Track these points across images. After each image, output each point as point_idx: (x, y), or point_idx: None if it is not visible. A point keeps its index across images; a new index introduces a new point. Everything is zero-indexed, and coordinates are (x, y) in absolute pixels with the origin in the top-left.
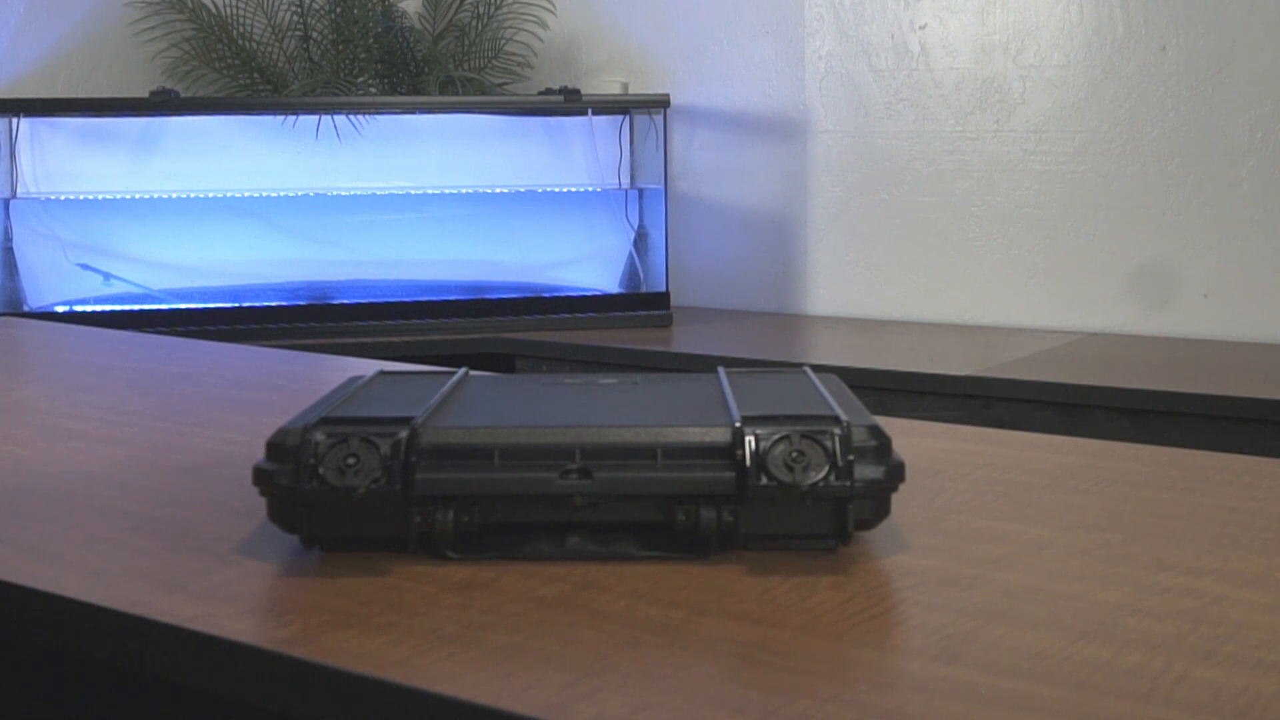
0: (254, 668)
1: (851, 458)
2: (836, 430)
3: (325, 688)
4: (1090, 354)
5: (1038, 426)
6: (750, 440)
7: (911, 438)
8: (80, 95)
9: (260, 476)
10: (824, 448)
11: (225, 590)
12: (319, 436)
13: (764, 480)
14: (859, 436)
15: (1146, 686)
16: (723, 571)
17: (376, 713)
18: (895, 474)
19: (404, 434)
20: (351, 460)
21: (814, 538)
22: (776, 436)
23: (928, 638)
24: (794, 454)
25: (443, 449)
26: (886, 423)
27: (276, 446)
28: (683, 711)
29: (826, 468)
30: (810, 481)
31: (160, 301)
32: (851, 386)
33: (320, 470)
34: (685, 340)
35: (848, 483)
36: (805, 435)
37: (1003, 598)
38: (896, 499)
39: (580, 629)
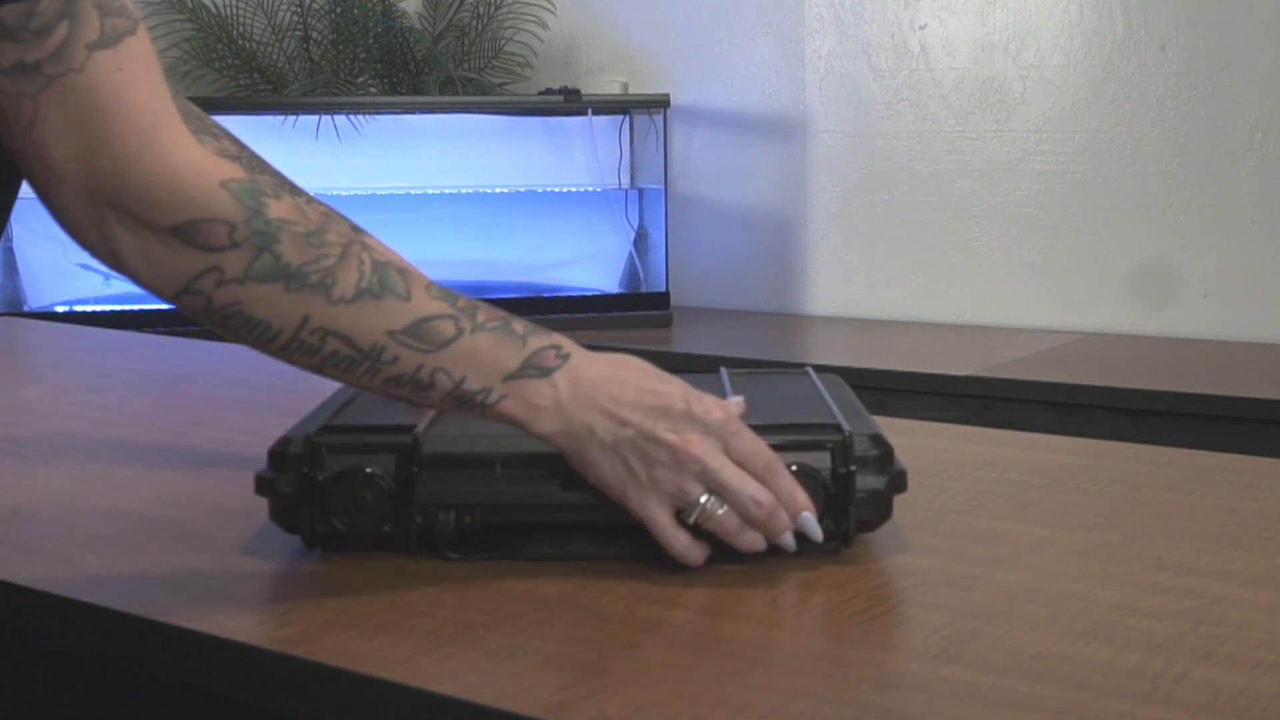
0: (254, 668)
1: (853, 467)
2: (838, 439)
3: (325, 688)
4: (1090, 354)
5: (1037, 426)
6: None
7: (911, 438)
8: None
9: (263, 485)
10: (820, 482)
11: (225, 590)
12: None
13: None
14: (861, 445)
15: (1146, 686)
16: (723, 571)
17: (376, 713)
18: (896, 483)
19: (407, 443)
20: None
21: None
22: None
23: (928, 638)
24: (791, 467)
25: (444, 459)
26: (886, 423)
27: (279, 455)
28: (683, 711)
29: (822, 511)
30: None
31: (160, 301)
32: (852, 386)
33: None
34: (685, 340)
35: (849, 493)
36: (802, 470)
37: (1003, 598)
38: (897, 499)
39: (580, 629)
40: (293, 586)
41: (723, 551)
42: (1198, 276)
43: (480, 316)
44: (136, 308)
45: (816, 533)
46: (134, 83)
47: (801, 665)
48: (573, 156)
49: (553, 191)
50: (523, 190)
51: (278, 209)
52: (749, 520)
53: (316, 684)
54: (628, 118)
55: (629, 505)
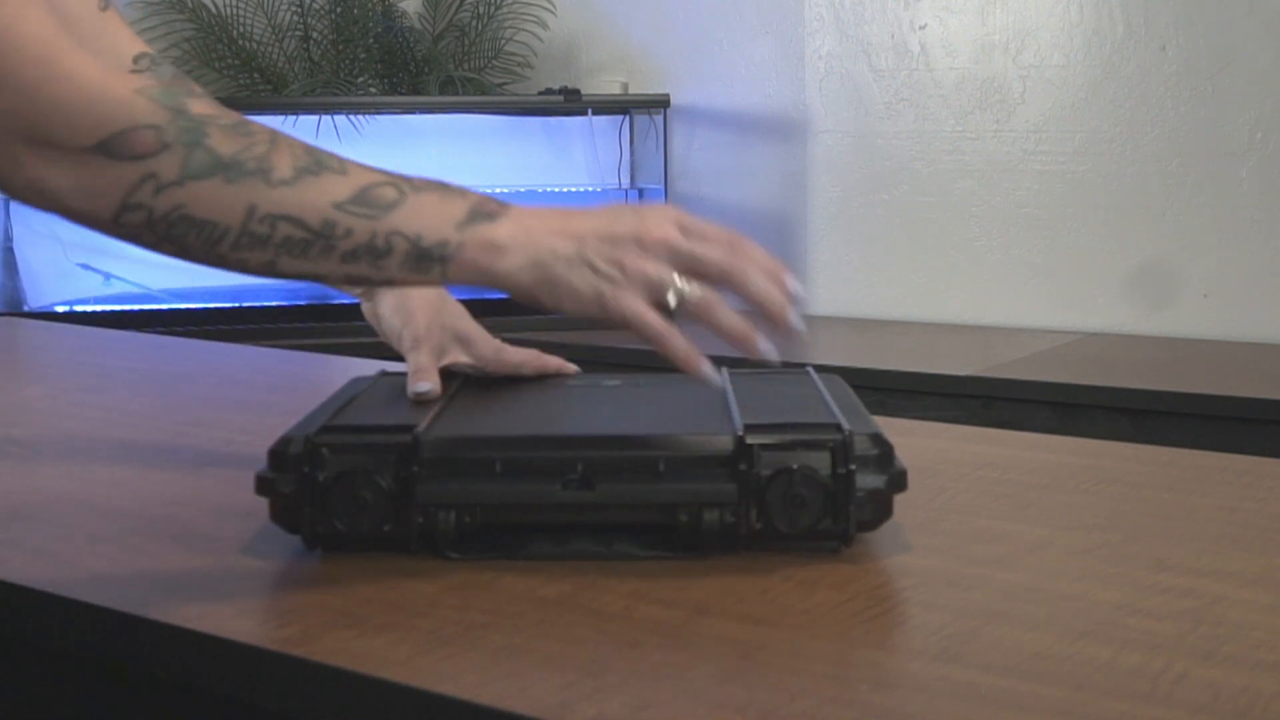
0: (254, 668)
1: (853, 466)
2: (838, 438)
3: (325, 688)
4: (1090, 354)
5: (1037, 426)
6: (755, 451)
7: (911, 438)
8: None
9: (263, 485)
10: (819, 482)
11: (225, 590)
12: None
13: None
14: (860, 445)
15: (1146, 686)
16: (723, 571)
17: (376, 713)
18: (896, 482)
19: (406, 441)
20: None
21: (815, 539)
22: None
23: (928, 638)
24: (793, 493)
25: (444, 459)
26: (886, 423)
27: (279, 455)
28: (683, 711)
29: (822, 511)
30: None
31: (160, 301)
32: (852, 386)
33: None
34: None
35: (848, 492)
36: (802, 470)
37: (1003, 598)
38: (897, 499)
39: (580, 629)
40: (293, 586)
41: (719, 546)
42: (1198, 276)
43: (415, 181)
44: (136, 308)
45: (800, 292)
46: (21, 13)
47: (801, 665)
48: (573, 156)
49: (553, 191)
50: (523, 190)
51: (199, 105)
52: (727, 279)
53: (316, 684)
54: (628, 118)
55: (607, 310)
